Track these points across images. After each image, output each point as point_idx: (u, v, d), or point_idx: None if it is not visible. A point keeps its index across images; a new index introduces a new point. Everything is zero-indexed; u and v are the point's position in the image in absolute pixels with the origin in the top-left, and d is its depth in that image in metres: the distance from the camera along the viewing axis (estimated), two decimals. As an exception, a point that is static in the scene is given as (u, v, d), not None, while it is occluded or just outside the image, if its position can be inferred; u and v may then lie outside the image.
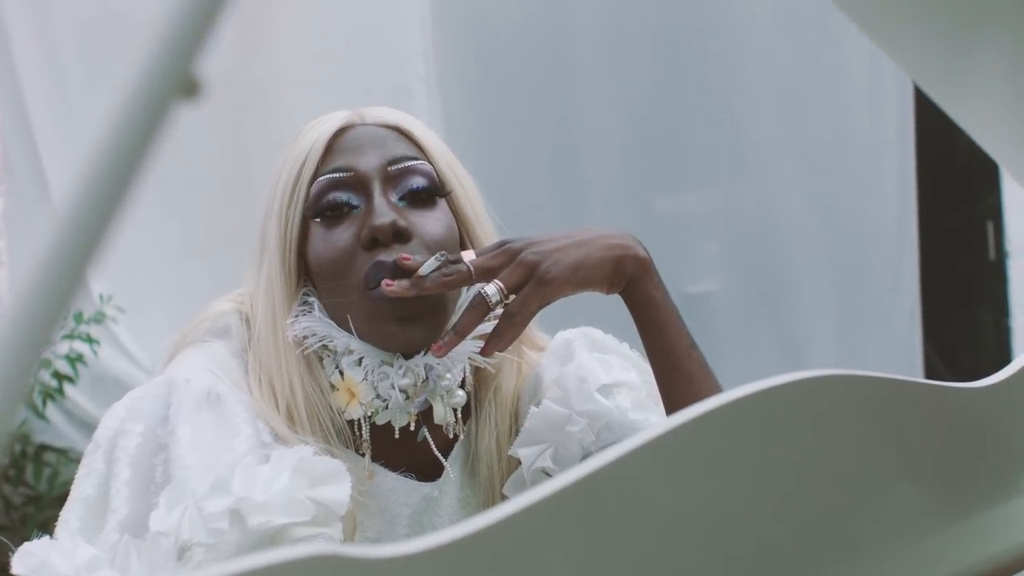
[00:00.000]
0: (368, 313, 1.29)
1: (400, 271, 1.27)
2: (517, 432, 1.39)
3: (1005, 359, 3.58)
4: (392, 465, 1.35)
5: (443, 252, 1.28)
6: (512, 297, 1.27)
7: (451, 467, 1.37)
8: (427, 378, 1.30)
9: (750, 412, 0.79)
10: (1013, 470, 0.99)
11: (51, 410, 3.02)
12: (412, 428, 1.32)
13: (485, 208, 1.40)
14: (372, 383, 1.29)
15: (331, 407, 1.31)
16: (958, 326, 3.77)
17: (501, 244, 1.30)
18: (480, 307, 1.27)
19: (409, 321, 1.28)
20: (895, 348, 3.48)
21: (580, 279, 1.28)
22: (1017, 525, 0.96)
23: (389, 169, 1.33)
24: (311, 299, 1.32)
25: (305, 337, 1.30)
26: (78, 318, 2.96)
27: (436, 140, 1.38)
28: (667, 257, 1.36)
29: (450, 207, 1.36)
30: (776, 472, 0.83)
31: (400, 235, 1.29)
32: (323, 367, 1.31)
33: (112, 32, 3.04)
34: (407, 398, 1.30)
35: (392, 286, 1.26)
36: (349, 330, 1.30)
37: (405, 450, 1.34)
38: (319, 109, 1.44)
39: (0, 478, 3.01)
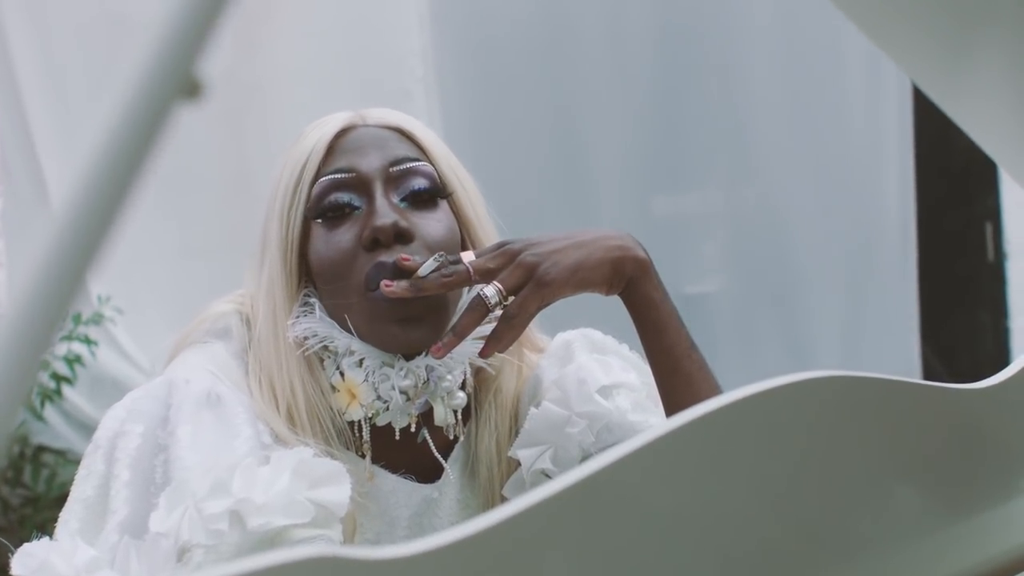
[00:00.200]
0: (369, 314, 1.29)
1: (400, 272, 1.27)
2: (517, 434, 1.39)
3: (1004, 360, 3.58)
4: (392, 467, 1.35)
5: (442, 253, 1.28)
6: (511, 298, 1.27)
7: (451, 469, 1.37)
8: (428, 379, 1.30)
9: (750, 413, 0.79)
10: (1013, 471, 0.99)
11: (49, 411, 3.01)
12: (412, 429, 1.32)
13: (486, 209, 1.39)
14: (373, 384, 1.29)
15: (332, 408, 1.31)
16: (957, 327, 3.77)
17: (500, 245, 1.30)
18: (479, 308, 1.27)
19: (410, 322, 1.28)
20: (894, 349, 3.48)
21: (579, 280, 1.28)
22: (1017, 526, 0.96)
23: (391, 170, 1.33)
24: (312, 300, 1.32)
25: (306, 338, 1.30)
26: (76, 319, 2.95)
27: (437, 141, 1.38)
28: (666, 258, 1.36)
29: (451, 208, 1.36)
30: (776, 473, 0.83)
31: (401, 236, 1.29)
32: (324, 368, 1.31)
33: (111, 33, 3.04)
34: (408, 399, 1.30)
35: (391, 287, 1.26)
36: (350, 331, 1.30)
37: (405, 452, 1.34)
38: (318, 109, 1.44)
39: (-1, 479, 3.01)
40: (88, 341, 2.95)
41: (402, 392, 1.29)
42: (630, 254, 1.31)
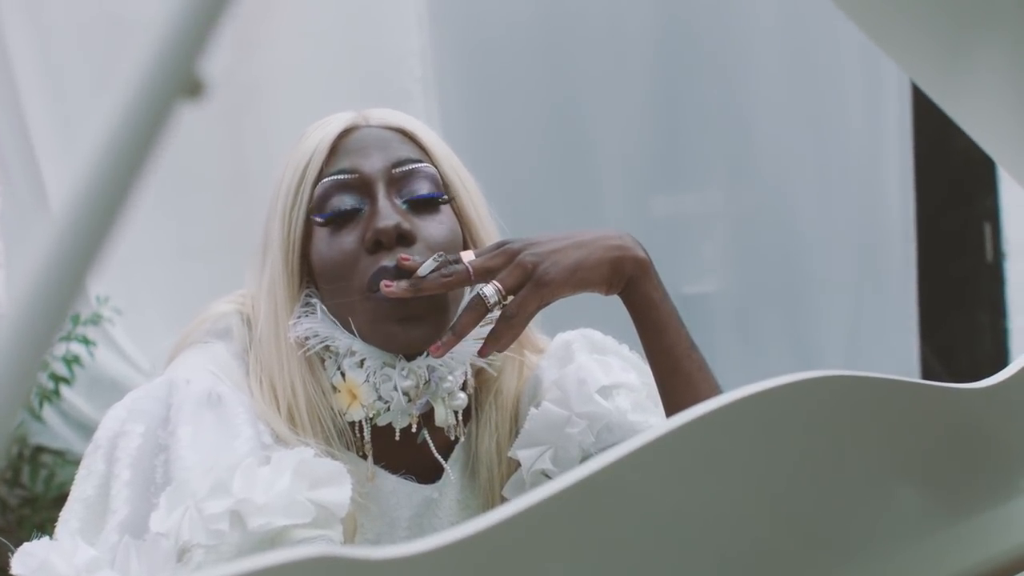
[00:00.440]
0: (370, 314, 1.29)
1: (401, 274, 1.27)
2: (517, 434, 1.39)
3: (1003, 361, 3.58)
4: (392, 467, 1.35)
5: (441, 253, 1.28)
6: (510, 298, 1.27)
7: (451, 469, 1.37)
8: (429, 380, 1.30)
9: (750, 413, 0.79)
10: (1013, 471, 0.99)
11: (47, 411, 3.01)
12: (413, 430, 1.32)
13: (488, 210, 1.39)
14: (374, 385, 1.29)
15: (332, 409, 1.31)
16: (955, 328, 3.77)
17: (500, 245, 1.30)
18: (478, 308, 1.27)
19: (410, 321, 1.28)
20: (893, 349, 3.48)
21: (579, 280, 1.28)
22: (1017, 526, 0.96)
23: (393, 172, 1.33)
24: (314, 300, 1.32)
25: (307, 338, 1.30)
26: (75, 320, 2.95)
27: (439, 142, 1.38)
28: (666, 258, 1.36)
29: (453, 210, 1.36)
30: (776, 473, 0.83)
31: (404, 238, 1.29)
32: (325, 369, 1.31)
33: (110, 34, 3.04)
34: (409, 400, 1.30)
35: (391, 287, 1.26)
36: (351, 332, 1.30)
37: (405, 452, 1.34)
38: (316, 110, 1.44)
39: (-3, 480, 3.01)
40: (86, 341, 2.95)
41: (403, 393, 1.29)
42: (629, 254, 1.31)
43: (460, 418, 1.35)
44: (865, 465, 0.89)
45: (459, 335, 1.27)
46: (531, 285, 1.26)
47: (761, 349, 3.39)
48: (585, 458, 1.35)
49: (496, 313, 1.28)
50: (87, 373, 3.00)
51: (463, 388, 1.34)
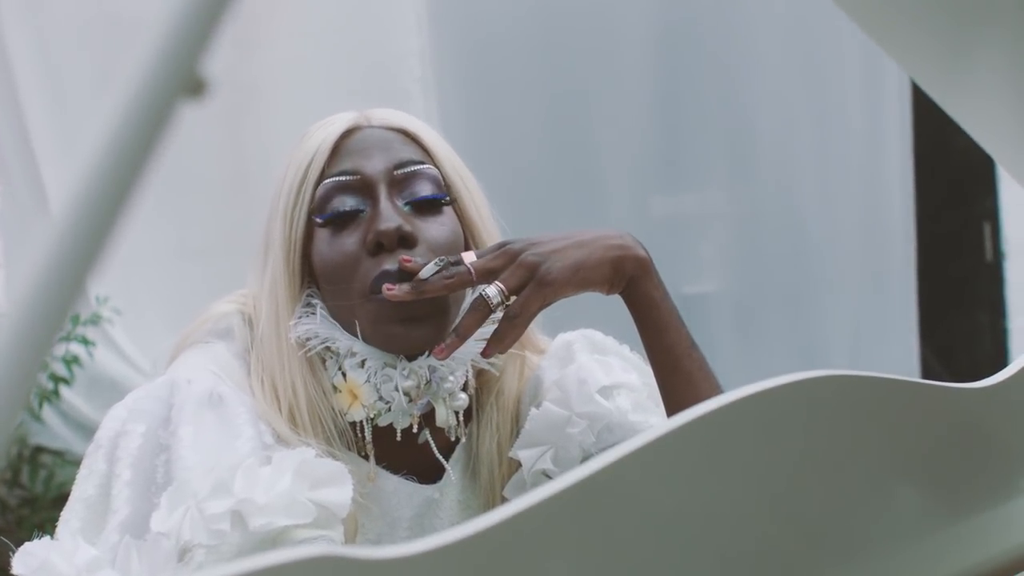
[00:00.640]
0: (371, 316, 1.29)
1: (403, 276, 1.27)
2: (518, 434, 1.39)
3: (1002, 361, 3.58)
4: (393, 467, 1.35)
5: (443, 256, 1.28)
6: (513, 298, 1.27)
7: (452, 469, 1.37)
8: (430, 380, 1.30)
9: (750, 413, 0.79)
10: (1013, 471, 0.99)
11: (47, 412, 3.01)
12: (414, 430, 1.32)
13: (490, 211, 1.39)
14: (375, 385, 1.29)
15: (333, 409, 1.31)
16: (955, 328, 3.77)
17: (501, 245, 1.30)
18: (481, 309, 1.27)
19: (412, 322, 1.28)
20: (892, 349, 3.48)
21: (580, 280, 1.28)
22: (1017, 526, 0.96)
23: (395, 173, 1.33)
24: (315, 301, 1.32)
25: (308, 339, 1.30)
26: (74, 320, 2.95)
27: (442, 143, 1.38)
28: (665, 258, 1.36)
29: (455, 211, 1.36)
30: (776, 473, 0.83)
31: (405, 240, 1.29)
32: (326, 369, 1.31)
33: (109, 34, 3.03)
34: (410, 400, 1.30)
35: (393, 290, 1.26)
36: (352, 332, 1.30)
37: (406, 452, 1.34)
38: (316, 110, 1.44)
39: (-3, 481, 3.00)
40: (86, 342, 2.95)
41: (404, 393, 1.29)
42: (630, 253, 1.31)
43: (461, 418, 1.35)
44: (865, 465, 0.89)
45: (463, 337, 1.27)
46: (533, 285, 1.27)
47: (761, 349, 3.39)
48: (586, 458, 1.35)
49: (498, 314, 1.28)
50: (86, 373, 3.00)
51: (464, 388, 1.34)
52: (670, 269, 1.35)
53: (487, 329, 1.29)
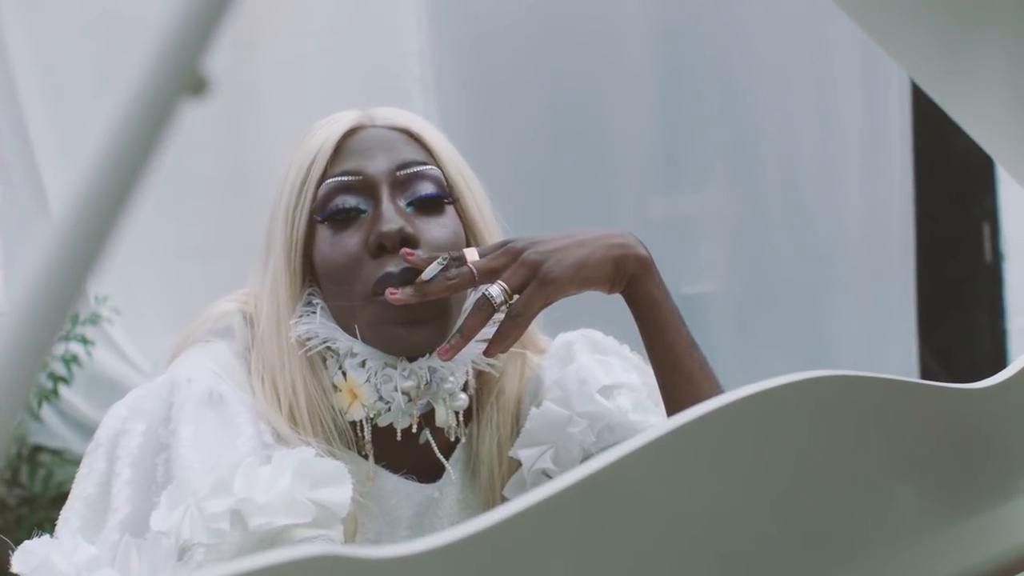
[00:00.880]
0: (373, 317, 1.29)
1: (406, 279, 1.27)
2: (518, 434, 1.39)
3: (1001, 361, 3.58)
4: (393, 467, 1.35)
5: (446, 255, 1.28)
6: (516, 297, 1.27)
7: (452, 469, 1.37)
8: (430, 381, 1.30)
9: (750, 413, 0.79)
10: (1013, 471, 0.99)
11: (46, 411, 3.01)
12: (414, 430, 1.32)
13: (492, 211, 1.39)
14: (375, 385, 1.29)
15: (334, 408, 1.31)
16: (954, 328, 3.77)
17: (503, 244, 1.30)
18: (485, 308, 1.27)
19: (414, 324, 1.28)
20: (891, 350, 3.48)
21: (583, 278, 1.28)
22: (1017, 526, 0.96)
23: (398, 174, 1.33)
24: (316, 300, 1.32)
25: (309, 338, 1.30)
26: (74, 319, 2.95)
27: (445, 143, 1.38)
28: (665, 258, 1.36)
29: (457, 212, 1.36)
30: (776, 473, 0.83)
31: (407, 242, 1.29)
32: (326, 368, 1.31)
33: (110, 34, 3.03)
34: (409, 400, 1.30)
35: (396, 294, 1.26)
36: (353, 332, 1.30)
37: (406, 452, 1.34)
38: (315, 110, 1.44)
39: (-4, 481, 3.00)
40: (85, 341, 2.95)
41: (404, 393, 1.29)
42: (632, 252, 1.31)
43: (461, 418, 1.35)
44: (865, 465, 0.89)
45: (467, 337, 1.27)
46: (536, 283, 1.27)
47: (761, 349, 3.39)
48: (586, 457, 1.35)
49: (498, 313, 1.28)
50: (85, 372, 3.00)
51: (464, 389, 1.34)
52: (670, 269, 1.35)
53: (487, 330, 1.29)
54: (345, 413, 1.31)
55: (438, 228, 1.32)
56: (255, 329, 1.35)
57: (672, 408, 1.33)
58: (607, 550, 0.75)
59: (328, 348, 1.31)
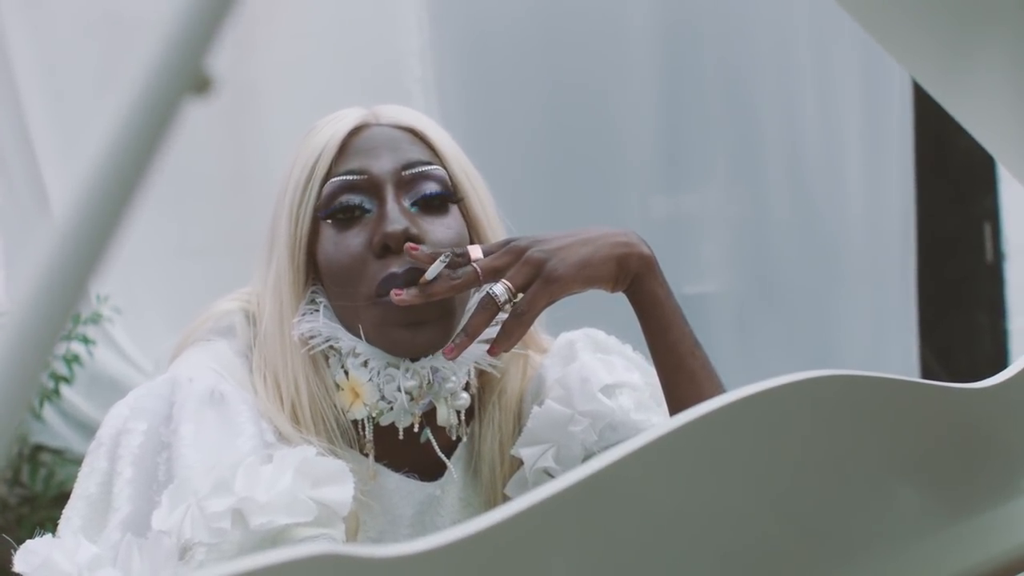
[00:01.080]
0: (377, 319, 1.29)
1: (410, 279, 1.27)
2: (520, 433, 1.39)
3: (1002, 361, 3.58)
4: (395, 465, 1.35)
5: (449, 251, 1.27)
6: (520, 296, 1.27)
7: (454, 467, 1.37)
8: (432, 380, 1.30)
9: (751, 413, 0.79)
10: (1013, 471, 0.99)
11: (47, 410, 3.01)
12: (416, 429, 1.32)
13: (496, 211, 1.39)
14: (377, 385, 1.29)
15: (336, 406, 1.31)
16: (955, 328, 3.77)
17: (506, 243, 1.30)
18: (489, 307, 1.27)
19: (417, 326, 1.28)
20: (891, 350, 3.48)
21: (587, 277, 1.28)
22: (1017, 526, 0.96)
23: (403, 174, 1.33)
24: (319, 298, 1.32)
25: (311, 336, 1.30)
26: (75, 319, 2.95)
27: (450, 142, 1.38)
28: (666, 258, 1.36)
29: (462, 211, 1.36)
30: (778, 473, 0.83)
31: (412, 242, 1.29)
32: (328, 366, 1.31)
33: (111, 34, 3.03)
34: (412, 400, 1.30)
35: (401, 295, 1.26)
36: (356, 332, 1.30)
37: (408, 450, 1.34)
38: (316, 110, 1.44)
39: (-3, 480, 3.00)
40: (86, 340, 2.95)
41: (407, 393, 1.29)
42: (635, 250, 1.31)
43: (462, 417, 1.35)
44: (865, 465, 0.89)
45: (472, 336, 1.27)
46: (540, 282, 1.27)
47: (762, 349, 3.39)
48: (588, 456, 1.35)
49: (502, 317, 1.29)
50: (86, 372, 3.00)
51: (466, 388, 1.35)
52: (671, 269, 1.35)
53: (490, 330, 1.29)
54: (347, 412, 1.31)
55: (442, 229, 1.32)
56: (257, 327, 1.35)
57: (675, 407, 1.33)
58: (608, 549, 0.75)
59: (331, 347, 1.31)
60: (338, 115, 1.36)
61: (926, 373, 3.59)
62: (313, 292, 1.33)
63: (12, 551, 1.19)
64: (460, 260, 1.28)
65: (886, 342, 3.48)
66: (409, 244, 1.27)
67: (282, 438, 1.27)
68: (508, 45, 3.29)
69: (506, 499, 1.38)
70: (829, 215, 3.46)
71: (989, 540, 0.95)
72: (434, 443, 1.34)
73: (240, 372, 1.31)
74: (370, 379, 1.29)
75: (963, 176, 3.72)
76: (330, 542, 1.17)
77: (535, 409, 1.38)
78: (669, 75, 3.34)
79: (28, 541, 1.19)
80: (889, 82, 3.45)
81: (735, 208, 3.51)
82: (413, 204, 1.32)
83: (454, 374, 1.32)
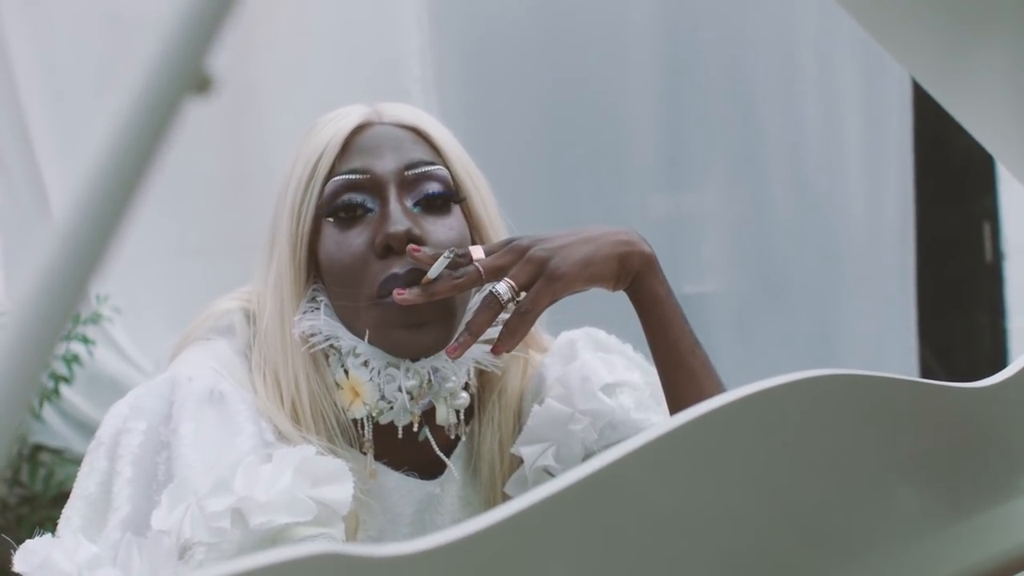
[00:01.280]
0: (379, 319, 1.29)
1: (411, 280, 1.27)
2: (520, 431, 1.39)
3: (1002, 361, 3.58)
4: (395, 464, 1.35)
5: (452, 249, 1.27)
6: (523, 294, 1.27)
7: (454, 465, 1.37)
8: (432, 380, 1.30)
9: (752, 412, 0.79)
10: (1013, 471, 0.99)
11: (47, 410, 3.01)
12: (415, 428, 1.32)
13: (498, 211, 1.39)
14: (378, 385, 1.29)
15: (336, 405, 1.31)
16: (954, 328, 3.77)
17: (508, 242, 1.30)
18: (492, 306, 1.27)
19: (419, 327, 1.28)
20: (891, 350, 3.48)
21: (589, 275, 1.28)
22: (1017, 526, 0.96)
23: (406, 174, 1.32)
24: (320, 297, 1.32)
25: (312, 335, 1.30)
26: (75, 319, 2.95)
27: (452, 141, 1.37)
28: (666, 258, 1.36)
29: (464, 211, 1.36)
30: (777, 472, 0.83)
31: (414, 243, 1.29)
32: (329, 365, 1.31)
33: (110, 34, 3.03)
34: (412, 399, 1.30)
35: (404, 294, 1.26)
36: (357, 331, 1.30)
37: (407, 449, 1.34)
38: (315, 110, 1.43)
39: (-3, 481, 3.00)
40: (86, 340, 2.95)
41: (407, 392, 1.29)
42: (637, 249, 1.31)
43: (462, 416, 1.35)
44: (865, 464, 0.89)
45: (475, 335, 1.27)
46: (543, 280, 1.27)
47: (762, 348, 3.39)
48: (588, 455, 1.36)
49: (503, 316, 1.29)
50: (86, 372, 3.00)
51: (465, 387, 1.35)
52: (672, 268, 1.36)
53: (491, 330, 1.29)
54: (347, 410, 1.31)
55: (445, 229, 1.32)
56: (257, 326, 1.35)
57: (675, 406, 1.33)
58: (608, 549, 0.75)
59: (331, 345, 1.31)
60: (340, 113, 1.36)
61: (926, 372, 3.59)
62: (314, 290, 1.33)
63: (12, 551, 1.19)
64: (462, 260, 1.28)
65: (886, 342, 3.48)
66: (411, 246, 1.27)
67: (281, 437, 1.27)
68: (508, 45, 3.28)
69: (506, 498, 1.38)
70: (829, 215, 3.46)
71: (989, 540, 0.95)
72: (432, 442, 1.34)
73: (240, 371, 1.31)
74: (370, 379, 1.29)
75: (963, 176, 3.73)
76: (330, 541, 1.17)
77: (535, 407, 1.38)
78: (669, 75, 3.34)
79: (28, 541, 1.19)
80: (889, 82, 3.45)
81: (735, 208, 3.51)
82: (416, 204, 1.32)
83: (454, 374, 1.32)
